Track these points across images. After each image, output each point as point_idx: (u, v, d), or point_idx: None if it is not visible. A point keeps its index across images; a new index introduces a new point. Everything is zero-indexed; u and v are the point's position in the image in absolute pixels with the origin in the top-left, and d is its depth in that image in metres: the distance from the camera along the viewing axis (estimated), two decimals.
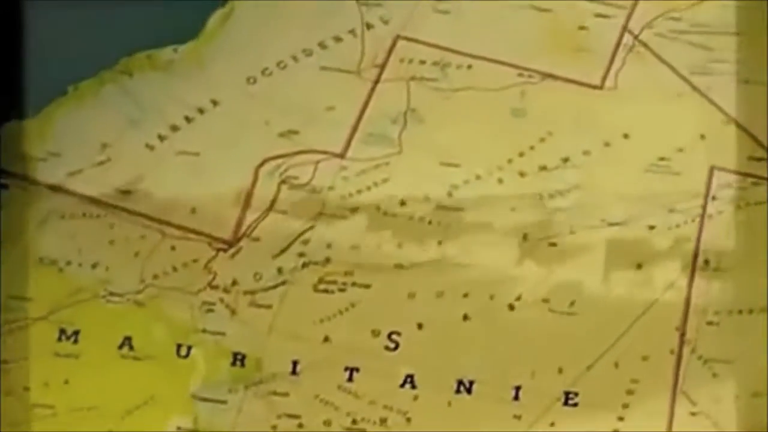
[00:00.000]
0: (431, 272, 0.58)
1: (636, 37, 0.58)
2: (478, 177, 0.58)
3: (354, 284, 0.58)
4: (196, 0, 0.60)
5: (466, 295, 0.57)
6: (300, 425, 0.56)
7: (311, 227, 0.58)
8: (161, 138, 0.59)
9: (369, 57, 0.59)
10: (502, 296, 0.57)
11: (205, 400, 0.56)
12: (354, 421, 0.56)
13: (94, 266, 0.58)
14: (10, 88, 0.60)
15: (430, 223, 0.58)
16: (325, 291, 0.58)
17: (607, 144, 0.58)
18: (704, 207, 0.58)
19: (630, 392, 0.56)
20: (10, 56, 0.60)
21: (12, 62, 0.60)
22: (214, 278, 0.58)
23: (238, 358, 0.57)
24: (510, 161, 0.58)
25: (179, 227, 0.58)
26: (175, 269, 0.58)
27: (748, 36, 0.58)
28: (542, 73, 0.58)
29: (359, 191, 0.59)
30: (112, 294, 0.58)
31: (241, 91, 0.59)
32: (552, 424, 0.56)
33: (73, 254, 0.58)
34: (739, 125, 0.58)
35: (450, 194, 0.58)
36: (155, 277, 0.58)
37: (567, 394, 0.56)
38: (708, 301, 0.57)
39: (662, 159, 0.58)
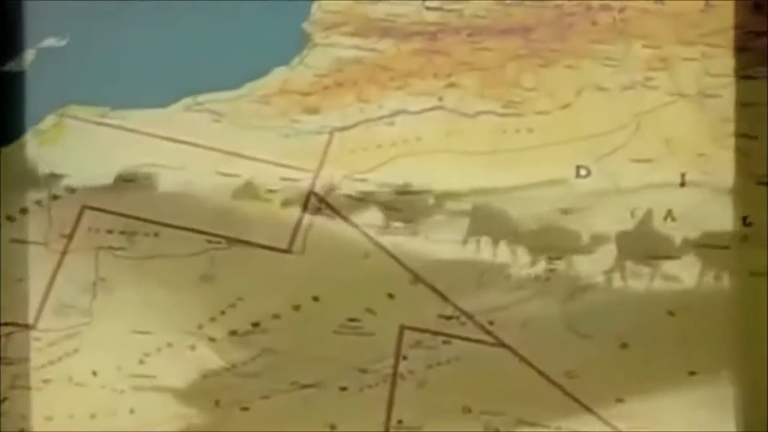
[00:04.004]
0: None
1: (322, 200, 0.58)
2: (169, 344, 0.59)
3: None
4: None
5: None
6: None
7: (5, 399, 0.59)
8: None
9: (56, 228, 0.59)
10: None
11: None
12: None
13: None
14: None
15: (122, 392, 0.59)
16: None
17: (296, 307, 0.58)
18: (395, 367, 0.58)
19: None
20: None
21: None
22: None
23: None
24: (200, 327, 0.58)
25: None
26: None
27: (433, 194, 0.58)
28: (230, 239, 0.58)
29: (51, 362, 0.59)
30: None
31: None
32: None
33: None
34: (426, 284, 0.58)
35: (142, 362, 0.59)
36: None
37: None
38: None
39: (352, 320, 0.58)
